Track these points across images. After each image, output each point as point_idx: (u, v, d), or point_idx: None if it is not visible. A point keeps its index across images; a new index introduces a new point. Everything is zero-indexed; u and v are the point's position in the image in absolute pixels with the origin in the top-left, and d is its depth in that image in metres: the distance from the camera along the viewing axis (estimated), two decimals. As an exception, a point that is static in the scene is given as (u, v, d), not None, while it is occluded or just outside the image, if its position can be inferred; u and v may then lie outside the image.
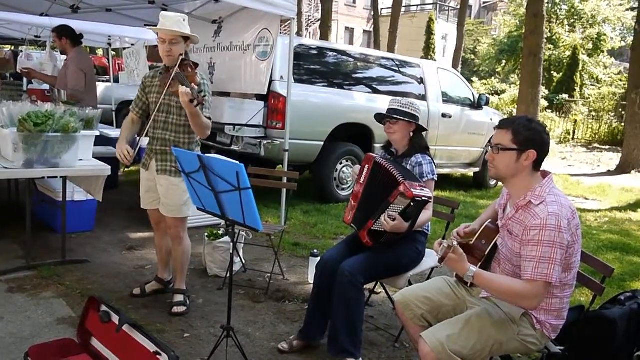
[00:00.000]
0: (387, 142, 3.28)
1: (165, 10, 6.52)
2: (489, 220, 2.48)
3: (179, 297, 3.53)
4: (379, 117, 3.20)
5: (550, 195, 2.14)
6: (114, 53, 11.45)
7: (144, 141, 3.52)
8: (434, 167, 3.10)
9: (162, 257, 3.75)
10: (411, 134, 3.13)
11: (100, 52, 19.29)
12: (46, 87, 7.52)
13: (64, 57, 6.30)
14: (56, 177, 4.30)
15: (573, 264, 2.19)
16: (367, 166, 3.00)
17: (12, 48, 15.15)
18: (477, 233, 2.45)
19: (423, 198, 2.75)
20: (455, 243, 2.06)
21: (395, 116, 3.07)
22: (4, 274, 3.81)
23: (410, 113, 3.09)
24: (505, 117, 2.64)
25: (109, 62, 11.73)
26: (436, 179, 3.10)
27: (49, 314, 3.29)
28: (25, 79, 9.62)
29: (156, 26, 3.27)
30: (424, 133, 3.23)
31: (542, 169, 2.25)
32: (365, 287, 2.93)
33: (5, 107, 3.86)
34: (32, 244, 4.09)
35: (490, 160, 2.25)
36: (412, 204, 2.74)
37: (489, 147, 2.28)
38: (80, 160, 3.98)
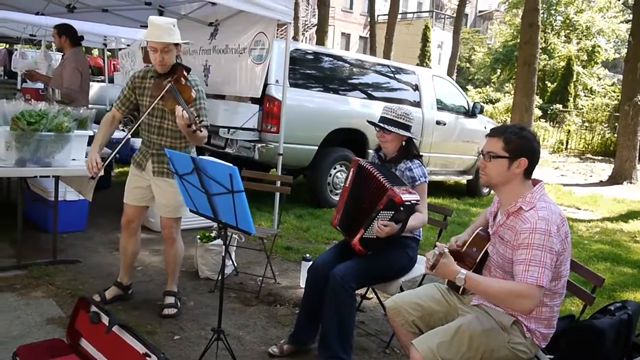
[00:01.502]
0: (378, 145, 3.27)
1: (162, 11, 6.52)
2: (480, 228, 2.49)
3: (170, 299, 3.51)
4: (372, 124, 3.19)
5: (541, 201, 2.16)
6: (109, 53, 11.45)
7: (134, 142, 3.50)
8: (425, 169, 3.11)
9: (125, 260, 3.63)
10: (403, 142, 3.13)
11: (95, 52, 19.25)
12: (40, 86, 7.50)
13: (59, 55, 6.29)
14: (48, 176, 4.28)
15: (562, 273, 2.20)
16: (352, 169, 3.04)
17: (7, 46, 15.11)
18: (468, 240, 2.46)
19: (412, 202, 2.78)
20: (446, 250, 2.07)
21: (388, 128, 3.06)
22: (-6, 272, 3.79)
23: (404, 124, 3.07)
24: (491, 128, 2.67)
25: (104, 62, 11.72)
26: (427, 181, 3.11)
27: (38, 314, 3.27)
28: (19, 78, 9.59)
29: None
30: (417, 140, 3.24)
31: (534, 177, 2.27)
32: (356, 292, 2.93)
33: (-2, 105, 3.84)
34: (23, 243, 4.05)
35: (482, 167, 2.27)
36: (401, 208, 2.76)
37: (481, 155, 2.30)
38: (74, 160, 3.97)
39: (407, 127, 3.08)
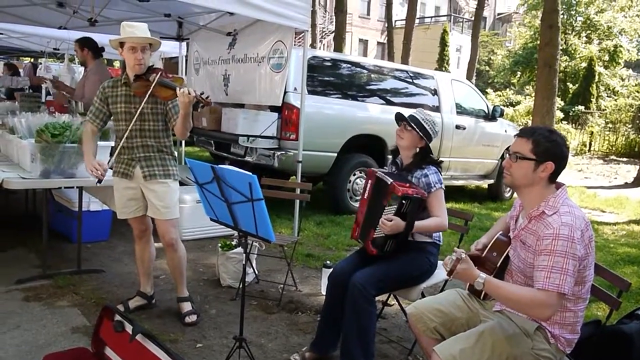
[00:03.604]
0: (395, 149, 3.26)
1: (181, 22, 6.62)
2: (500, 232, 2.46)
3: (187, 306, 3.54)
4: (399, 117, 3.14)
5: (564, 206, 2.12)
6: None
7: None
8: (440, 176, 3.07)
9: (144, 270, 3.65)
10: (418, 148, 3.09)
11: (117, 64, 19.55)
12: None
13: (81, 68, 6.40)
14: (72, 187, 4.35)
15: (587, 277, 2.16)
16: (370, 182, 3.05)
17: (32, 60, 15.45)
18: (488, 245, 2.43)
19: (414, 195, 2.80)
20: (463, 255, 2.05)
21: (411, 124, 3.03)
22: (21, 282, 3.86)
23: (426, 129, 3.04)
24: (520, 128, 2.62)
25: (125, 74, 11.87)
26: (444, 187, 3.08)
27: (64, 323, 3.32)
28: (43, 91, 9.78)
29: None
30: (438, 145, 3.20)
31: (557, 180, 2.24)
32: (378, 299, 2.92)
33: (23, 119, 3.93)
34: (48, 253, 4.13)
35: (507, 167, 2.24)
36: (404, 201, 2.79)
37: (507, 154, 2.27)
38: (97, 170, 4.02)
39: (427, 134, 3.05)
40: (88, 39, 5.56)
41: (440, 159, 3.22)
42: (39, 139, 3.64)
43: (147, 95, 3.18)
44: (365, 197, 3.07)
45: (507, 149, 2.31)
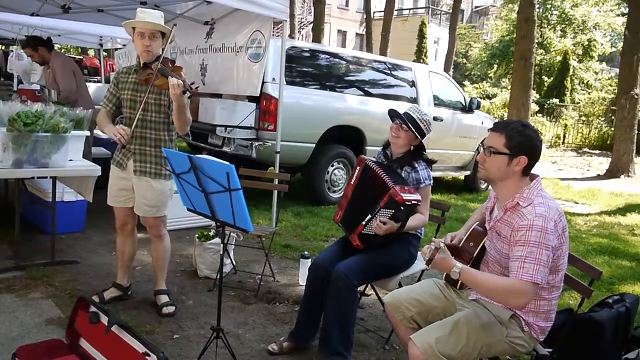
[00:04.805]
0: (386, 142, 3.25)
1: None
2: (477, 223, 2.50)
3: (165, 298, 3.52)
4: (394, 114, 3.13)
5: (538, 197, 2.16)
6: (105, 54, 11.43)
7: None
8: (430, 173, 3.11)
9: (124, 262, 3.61)
10: (413, 146, 3.11)
11: (92, 53, 19.23)
12: (37, 87, 7.50)
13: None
14: (46, 177, 4.28)
15: (560, 267, 2.21)
16: (358, 168, 3.04)
17: (3, 48, 15.11)
18: (465, 236, 2.46)
19: (412, 202, 2.79)
20: (442, 245, 2.07)
21: (408, 124, 3.02)
22: (-7, 274, 3.79)
23: (421, 129, 3.04)
24: (497, 121, 2.65)
25: (100, 63, 11.72)
26: (432, 183, 3.12)
27: (37, 315, 3.27)
28: (15, 79, 9.60)
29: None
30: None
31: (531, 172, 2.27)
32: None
33: (-5, 107, 3.84)
34: (22, 244, 4.06)
35: (482, 162, 2.26)
36: (402, 208, 2.77)
37: (481, 148, 2.29)
38: (71, 160, 3.97)
39: (423, 133, 3.06)
40: (34, 38, 5.54)
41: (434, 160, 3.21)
42: (11, 128, 3.56)
43: (150, 85, 3.15)
44: (352, 183, 3.05)
45: (483, 142, 2.32)
